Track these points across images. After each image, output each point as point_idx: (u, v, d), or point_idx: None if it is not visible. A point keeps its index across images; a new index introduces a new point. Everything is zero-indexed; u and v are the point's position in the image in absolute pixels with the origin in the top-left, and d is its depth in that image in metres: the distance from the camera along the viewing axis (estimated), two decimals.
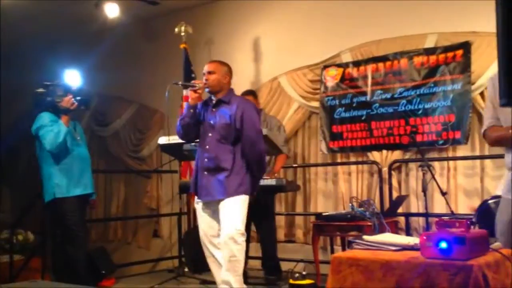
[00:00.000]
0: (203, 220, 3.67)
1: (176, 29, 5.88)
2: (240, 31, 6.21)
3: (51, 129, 4.09)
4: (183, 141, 4.11)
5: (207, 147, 3.63)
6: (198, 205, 3.70)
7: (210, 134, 3.64)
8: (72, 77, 4.36)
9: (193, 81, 3.81)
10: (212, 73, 3.67)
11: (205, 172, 3.61)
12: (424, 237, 2.21)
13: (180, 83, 4.04)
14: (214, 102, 3.71)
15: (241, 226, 3.50)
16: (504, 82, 1.58)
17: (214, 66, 3.73)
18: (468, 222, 2.24)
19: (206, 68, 3.73)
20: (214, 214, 3.62)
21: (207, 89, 3.69)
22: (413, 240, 2.44)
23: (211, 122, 3.66)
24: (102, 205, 7.13)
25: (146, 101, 7.01)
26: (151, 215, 6.93)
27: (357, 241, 2.52)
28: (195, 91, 3.66)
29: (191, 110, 3.67)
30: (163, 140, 4.72)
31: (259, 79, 5.99)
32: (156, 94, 6.68)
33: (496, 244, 2.43)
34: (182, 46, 5.84)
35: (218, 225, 3.60)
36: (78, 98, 4.25)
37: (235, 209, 3.51)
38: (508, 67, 1.58)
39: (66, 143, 4.16)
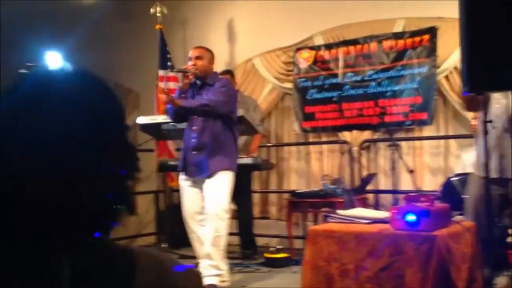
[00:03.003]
0: (189, 198, 3.85)
1: (152, 10, 5.94)
2: (215, 12, 6.30)
3: None
4: (164, 121, 4.27)
5: (194, 127, 3.83)
6: (184, 183, 3.87)
7: (196, 115, 3.83)
8: (53, 59, 4.42)
9: (184, 67, 3.94)
10: (200, 59, 3.84)
11: (193, 152, 3.80)
12: (393, 211, 2.44)
13: (175, 69, 4.28)
14: (199, 85, 3.89)
15: (226, 204, 3.70)
16: (466, 70, 1.78)
17: (201, 51, 3.90)
18: (432, 197, 2.47)
19: (192, 53, 3.88)
20: (200, 192, 3.80)
21: (194, 74, 3.83)
22: (383, 214, 2.67)
23: None
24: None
25: (121, 80, 7.05)
26: None
27: (332, 215, 2.73)
28: (187, 77, 3.80)
29: (183, 95, 3.83)
30: (141, 120, 4.83)
31: (233, 60, 6.12)
32: (131, 74, 6.76)
33: (458, 217, 2.68)
34: (157, 26, 5.92)
35: (203, 202, 3.78)
36: None
37: (220, 187, 3.70)
38: (469, 56, 1.78)
39: None
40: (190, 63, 3.86)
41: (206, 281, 3.61)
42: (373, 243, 2.44)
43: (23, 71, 4.36)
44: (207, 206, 3.70)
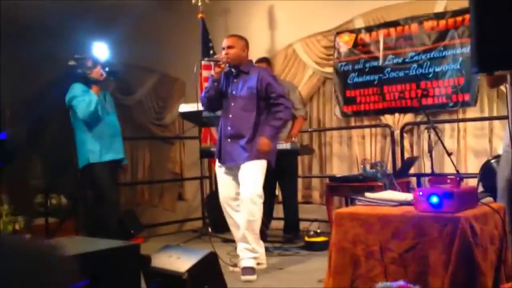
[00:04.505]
0: (224, 184, 3.96)
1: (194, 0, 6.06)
2: (255, 0, 6.36)
3: (83, 99, 4.35)
4: (204, 110, 4.37)
5: (230, 116, 3.91)
6: (220, 169, 3.98)
7: (232, 104, 3.91)
8: (100, 49, 4.59)
9: (216, 56, 4.01)
10: (232, 48, 3.91)
11: (228, 140, 3.89)
12: (417, 193, 2.45)
13: (206, 59, 4.35)
14: (234, 73, 3.96)
15: (259, 189, 3.77)
16: (476, 51, 1.77)
17: (233, 40, 3.96)
18: (458, 179, 2.46)
19: (225, 42, 3.95)
20: (235, 179, 3.89)
21: (227, 63, 3.91)
22: (410, 196, 2.67)
23: (234, 92, 3.92)
24: (129, 170, 7.48)
25: (167, 70, 7.26)
26: (175, 179, 7.26)
27: (358, 197, 2.76)
28: (219, 66, 3.88)
29: (215, 83, 3.92)
30: (183, 108, 4.97)
31: (274, 47, 6.17)
32: (176, 63, 6.94)
33: (487, 199, 2.65)
34: (199, 16, 6.03)
35: (238, 189, 3.88)
36: (107, 69, 4.51)
37: (254, 172, 3.78)
38: (480, 37, 1.77)
39: (98, 112, 4.42)
40: (223, 52, 3.94)
41: (243, 263, 3.71)
42: (397, 225, 2.46)
43: (72, 62, 4.58)
44: (241, 191, 3.78)
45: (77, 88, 4.43)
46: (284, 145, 4.66)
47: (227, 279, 2.88)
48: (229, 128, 3.90)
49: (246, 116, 3.86)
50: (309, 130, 5.84)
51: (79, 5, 6.88)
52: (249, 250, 3.74)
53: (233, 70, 3.96)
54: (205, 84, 5.90)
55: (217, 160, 4.02)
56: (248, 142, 3.81)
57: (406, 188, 4.72)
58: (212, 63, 4.00)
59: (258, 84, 3.85)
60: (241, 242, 3.79)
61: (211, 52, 5.98)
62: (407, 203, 2.61)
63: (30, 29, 7.11)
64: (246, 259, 3.72)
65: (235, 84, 3.94)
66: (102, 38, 4.82)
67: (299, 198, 5.89)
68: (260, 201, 3.76)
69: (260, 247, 3.84)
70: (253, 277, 3.64)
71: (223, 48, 3.95)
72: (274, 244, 4.76)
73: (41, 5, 6.78)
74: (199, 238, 5.45)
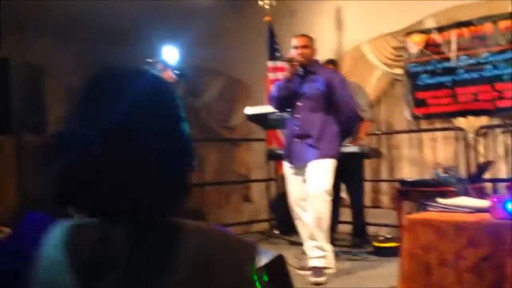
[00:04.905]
0: (294, 184, 3.94)
1: (260, 2, 6.11)
2: (322, 1, 6.32)
3: None
4: (271, 111, 4.40)
5: (298, 116, 3.90)
6: (289, 170, 3.97)
7: (300, 104, 3.89)
8: (170, 53, 4.72)
9: (290, 56, 3.95)
10: (306, 47, 3.90)
11: (297, 139, 3.89)
12: (494, 200, 2.35)
13: (282, 59, 4.20)
14: (303, 73, 3.92)
15: (328, 185, 3.73)
16: None
17: (307, 40, 3.94)
18: None
19: (298, 42, 3.91)
20: (304, 179, 3.86)
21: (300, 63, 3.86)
22: (485, 203, 2.57)
23: (301, 92, 3.89)
24: (196, 171, 7.63)
25: (233, 72, 7.34)
26: (242, 181, 7.33)
27: (431, 203, 2.68)
28: (293, 65, 3.85)
29: (289, 83, 3.89)
30: (249, 110, 5.00)
31: (341, 48, 6.10)
32: (243, 66, 7.01)
33: None
34: (266, 18, 6.07)
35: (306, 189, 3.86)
36: (177, 72, 4.62)
37: (322, 169, 3.75)
38: None
39: None
40: (295, 51, 3.89)
41: (311, 263, 3.68)
42: (473, 232, 2.37)
43: (144, 67, 4.73)
44: (310, 188, 3.74)
45: None
46: (352, 148, 4.60)
47: (294, 281, 2.87)
48: (297, 128, 3.90)
49: (314, 117, 3.84)
50: (378, 133, 5.74)
51: (151, 10, 7.09)
52: (317, 248, 3.71)
53: (299, 69, 3.91)
54: (273, 86, 5.99)
55: (286, 161, 4.00)
56: (316, 141, 3.79)
57: (481, 194, 4.54)
58: (286, 63, 3.96)
59: (325, 86, 3.82)
60: (309, 240, 3.77)
61: (278, 54, 6.01)
62: (483, 210, 2.51)
63: (105, 34, 7.40)
64: (314, 258, 3.70)
65: (303, 84, 3.91)
66: (172, 42, 4.95)
67: (368, 202, 5.79)
68: (328, 198, 3.71)
69: (328, 245, 3.79)
70: (323, 279, 3.61)
71: (296, 48, 3.90)
72: (342, 248, 4.70)
73: (115, 11, 7.04)
74: (266, 240, 5.47)
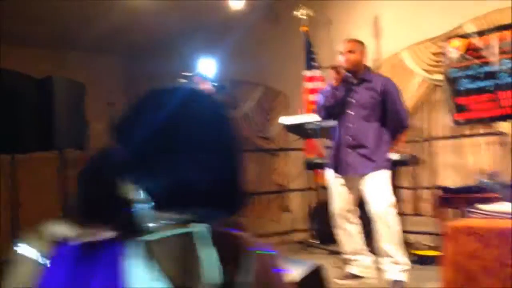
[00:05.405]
0: (340, 196, 3.82)
1: (296, 12, 6.11)
2: (359, 9, 6.29)
3: None
4: (308, 121, 4.36)
5: (350, 125, 3.76)
6: (336, 180, 3.84)
7: (352, 113, 3.76)
8: (207, 65, 4.77)
9: (338, 64, 3.84)
10: (352, 52, 3.77)
11: (349, 149, 3.75)
12: None
13: (326, 66, 4.03)
14: (356, 81, 3.79)
15: (392, 198, 3.62)
16: None
17: (353, 45, 3.82)
18: None
19: (344, 47, 3.80)
20: (353, 191, 3.78)
21: (346, 69, 3.75)
22: None
23: (354, 101, 3.77)
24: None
25: (270, 83, 7.37)
26: (280, 191, 7.32)
27: (474, 210, 2.61)
28: (338, 73, 3.73)
29: (335, 91, 3.76)
30: (284, 120, 5.00)
31: (379, 56, 6.04)
32: (280, 76, 7.03)
33: None
34: (302, 29, 6.08)
35: (353, 201, 3.79)
36: (215, 84, 4.67)
37: (383, 182, 3.64)
38: None
39: None
40: (341, 58, 3.78)
41: (389, 276, 3.60)
42: None
43: (181, 80, 4.80)
44: (373, 203, 3.61)
45: None
46: (393, 156, 4.52)
47: None
48: (349, 138, 3.76)
49: (368, 126, 3.72)
50: (419, 139, 5.63)
51: (188, 24, 7.21)
52: (396, 263, 3.60)
53: (349, 75, 3.78)
54: (311, 96, 5.97)
55: (331, 171, 3.88)
56: (372, 152, 3.68)
57: None
58: (330, 70, 3.83)
59: (382, 94, 3.71)
60: (385, 257, 3.64)
61: (314, 64, 6.00)
62: None
63: (146, 48, 7.55)
64: (394, 272, 3.59)
65: (356, 92, 3.77)
66: (209, 54, 5.01)
67: (409, 210, 5.69)
68: (394, 211, 3.60)
69: (405, 257, 3.65)
70: None
71: (341, 53, 3.79)
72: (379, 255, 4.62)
73: (155, 25, 7.19)
74: (305, 250, 5.44)
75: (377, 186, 3.60)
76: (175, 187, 0.86)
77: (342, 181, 3.81)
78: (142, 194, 0.86)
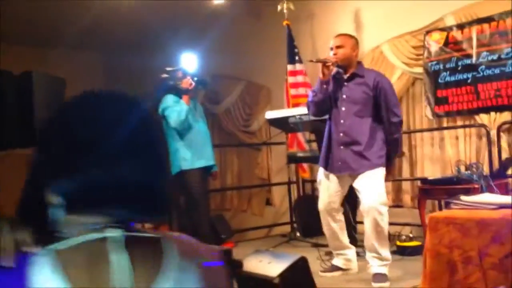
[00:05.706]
0: (329, 193, 3.75)
1: (279, 7, 6.12)
2: (340, 3, 6.31)
3: (175, 109, 4.54)
4: (291, 115, 4.37)
5: (342, 121, 3.68)
6: (325, 177, 3.78)
7: (344, 108, 3.68)
8: (189, 60, 4.77)
9: (325, 57, 3.74)
10: (341, 47, 3.68)
11: (341, 147, 3.67)
12: None
13: (314, 60, 3.85)
14: (347, 76, 3.72)
15: (384, 197, 3.58)
16: None
17: (342, 39, 3.73)
18: None
19: (334, 42, 3.72)
20: (343, 189, 3.74)
21: (336, 64, 3.68)
22: (509, 199, 2.54)
23: (345, 96, 3.69)
24: (218, 176, 7.67)
25: (253, 78, 7.37)
26: (263, 185, 7.34)
27: (454, 201, 2.66)
28: (327, 67, 3.63)
29: (324, 86, 3.66)
30: (269, 114, 5.02)
31: (361, 49, 6.04)
32: (262, 70, 7.03)
33: None
34: (285, 23, 6.08)
35: (341, 199, 3.77)
36: (196, 79, 4.67)
37: (377, 180, 3.58)
38: None
39: (189, 120, 4.58)
40: (331, 53, 3.70)
41: (373, 270, 3.61)
42: (497, 229, 2.34)
43: (164, 75, 4.79)
44: (364, 200, 3.56)
45: (168, 99, 4.62)
46: None
47: (317, 283, 2.87)
48: (341, 134, 3.67)
49: (361, 122, 3.63)
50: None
51: (169, 19, 7.17)
52: (379, 259, 3.59)
53: (340, 71, 3.72)
54: (292, 91, 5.99)
55: (323, 167, 3.81)
56: (366, 149, 3.60)
57: (505, 190, 4.47)
58: (318, 64, 3.71)
59: (374, 89, 3.63)
60: (369, 252, 3.64)
61: (297, 58, 6.02)
62: (507, 206, 2.47)
63: (124, 43, 7.49)
64: (376, 266, 3.59)
65: (347, 88, 3.70)
66: (192, 49, 5.00)
67: (390, 201, 5.75)
68: (385, 209, 3.55)
69: (389, 254, 3.65)
70: (386, 284, 3.50)
71: (331, 48, 3.72)
72: (364, 247, 4.67)
73: (136, 22, 7.14)
74: (288, 243, 5.47)
75: (371, 185, 3.56)
76: (89, 190, 0.85)
77: (333, 178, 3.74)
78: (57, 199, 0.85)
